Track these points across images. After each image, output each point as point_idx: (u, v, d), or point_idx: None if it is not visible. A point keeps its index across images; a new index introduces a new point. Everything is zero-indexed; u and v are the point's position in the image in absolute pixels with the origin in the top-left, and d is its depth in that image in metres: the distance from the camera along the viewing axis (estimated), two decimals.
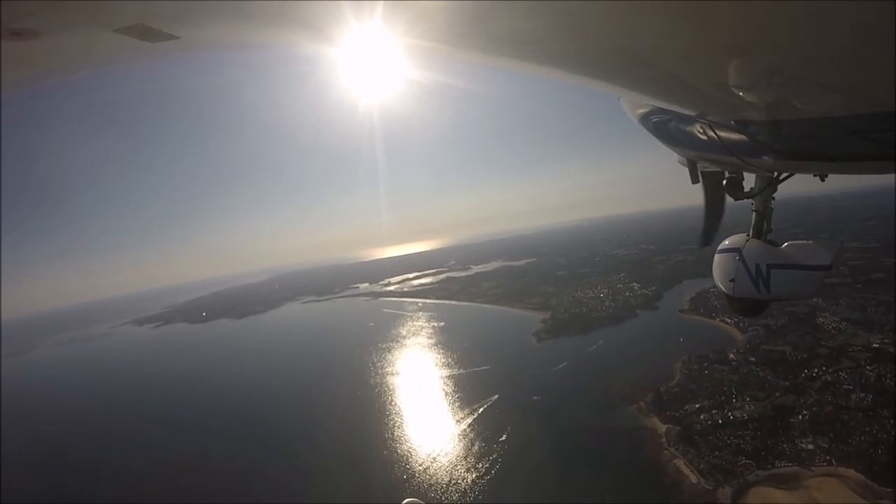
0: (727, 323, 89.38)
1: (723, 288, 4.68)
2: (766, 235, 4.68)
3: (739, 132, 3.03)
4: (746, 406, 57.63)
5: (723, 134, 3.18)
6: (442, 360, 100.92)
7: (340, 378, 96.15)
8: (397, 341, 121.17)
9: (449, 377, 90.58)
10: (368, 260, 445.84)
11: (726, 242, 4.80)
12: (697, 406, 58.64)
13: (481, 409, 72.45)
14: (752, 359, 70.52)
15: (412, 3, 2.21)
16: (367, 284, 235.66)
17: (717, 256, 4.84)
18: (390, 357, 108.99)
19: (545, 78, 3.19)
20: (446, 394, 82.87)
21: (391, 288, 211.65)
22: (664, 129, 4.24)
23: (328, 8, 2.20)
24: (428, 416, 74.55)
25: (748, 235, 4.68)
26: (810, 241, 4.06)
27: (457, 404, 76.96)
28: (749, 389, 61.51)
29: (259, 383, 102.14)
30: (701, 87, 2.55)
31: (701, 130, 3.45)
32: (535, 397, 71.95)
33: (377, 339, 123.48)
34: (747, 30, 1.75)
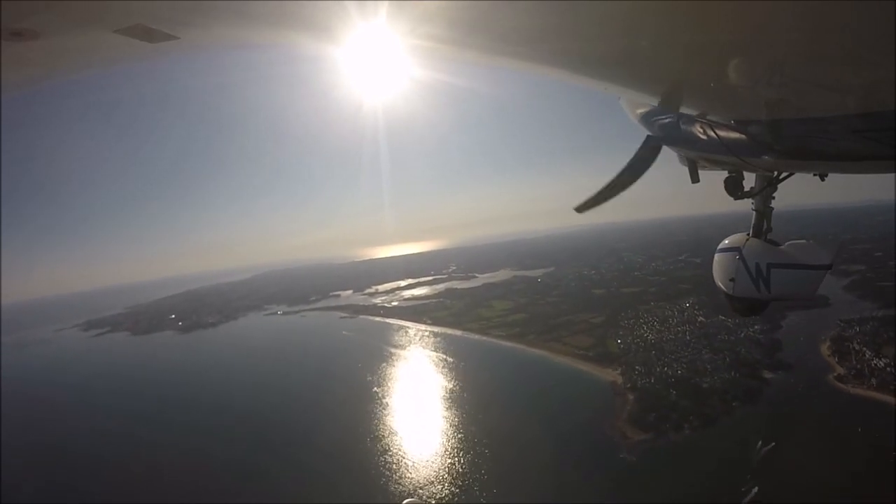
0: None
1: (723, 287, 4.65)
2: (766, 235, 4.66)
3: (739, 132, 2.99)
4: None
5: (723, 133, 3.15)
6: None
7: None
8: (373, 420, 69.42)
9: None
10: (360, 260, 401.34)
11: (726, 242, 4.80)
12: None
13: None
14: None
15: (416, 2, 2.22)
16: (350, 292, 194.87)
17: (717, 256, 4.83)
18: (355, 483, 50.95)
19: (547, 78, 3.14)
20: None
21: (377, 300, 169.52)
22: (664, 128, 4.19)
23: (332, 8, 2.20)
24: None
25: (748, 235, 4.68)
26: (810, 241, 4.09)
27: None
28: None
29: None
30: (701, 86, 2.53)
31: (701, 130, 3.43)
32: None
33: (335, 409, 72.49)
34: (747, 30, 1.77)
